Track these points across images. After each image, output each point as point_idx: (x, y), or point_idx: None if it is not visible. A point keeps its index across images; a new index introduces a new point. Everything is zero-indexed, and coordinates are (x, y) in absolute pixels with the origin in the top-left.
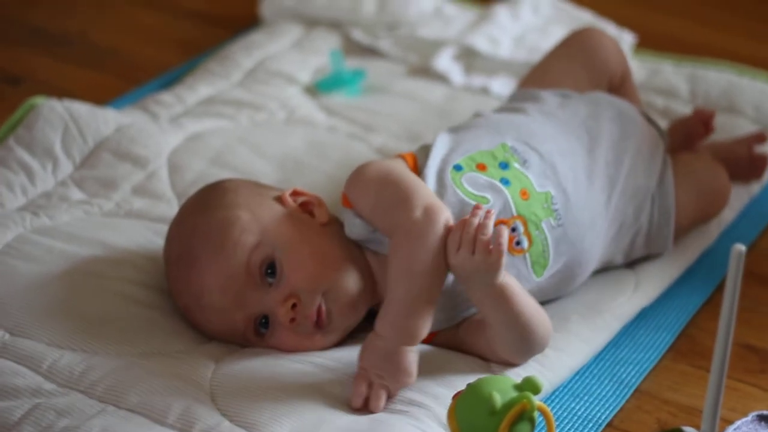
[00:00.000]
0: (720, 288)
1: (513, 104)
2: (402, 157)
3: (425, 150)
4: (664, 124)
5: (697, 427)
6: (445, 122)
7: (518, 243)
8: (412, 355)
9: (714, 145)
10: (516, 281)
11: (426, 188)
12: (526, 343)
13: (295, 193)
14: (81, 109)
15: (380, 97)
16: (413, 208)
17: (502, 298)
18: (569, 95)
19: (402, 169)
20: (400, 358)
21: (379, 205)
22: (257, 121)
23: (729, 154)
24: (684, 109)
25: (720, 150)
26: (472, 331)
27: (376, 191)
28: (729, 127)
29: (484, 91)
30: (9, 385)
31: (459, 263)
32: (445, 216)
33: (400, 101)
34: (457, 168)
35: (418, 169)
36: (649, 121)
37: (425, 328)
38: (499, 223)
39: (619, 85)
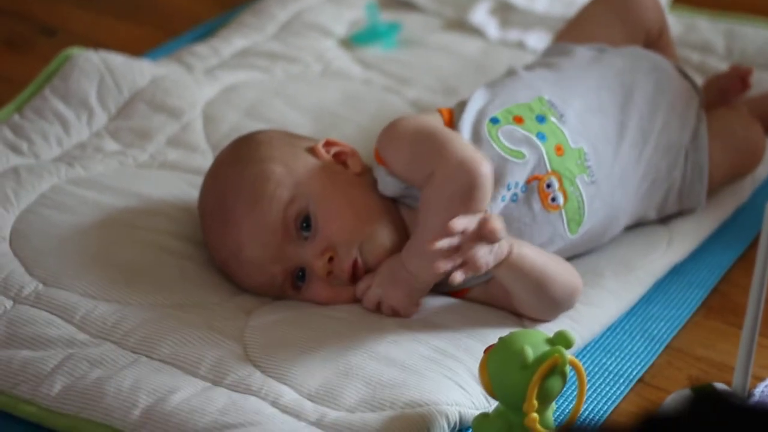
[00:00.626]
0: (753, 244)
1: (546, 59)
2: (438, 111)
3: (462, 105)
4: (699, 79)
5: (728, 383)
6: (480, 76)
7: (554, 199)
8: (424, 291)
9: (750, 101)
10: (529, 246)
11: (463, 140)
12: (551, 305)
13: (327, 144)
14: (116, 60)
15: (415, 50)
16: (449, 159)
17: (516, 272)
18: (604, 49)
19: (436, 123)
20: (413, 289)
21: (414, 159)
22: (292, 74)
23: (765, 110)
24: (720, 65)
25: (756, 106)
26: (499, 288)
27: (410, 146)
28: (766, 84)
29: (520, 45)
30: (42, 335)
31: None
32: (485, 168)
33: (436, 55)
34: (494, 121)
35: (454, 124)
36: (684, 76)
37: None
38: (533, 179)
39: (656, 40)
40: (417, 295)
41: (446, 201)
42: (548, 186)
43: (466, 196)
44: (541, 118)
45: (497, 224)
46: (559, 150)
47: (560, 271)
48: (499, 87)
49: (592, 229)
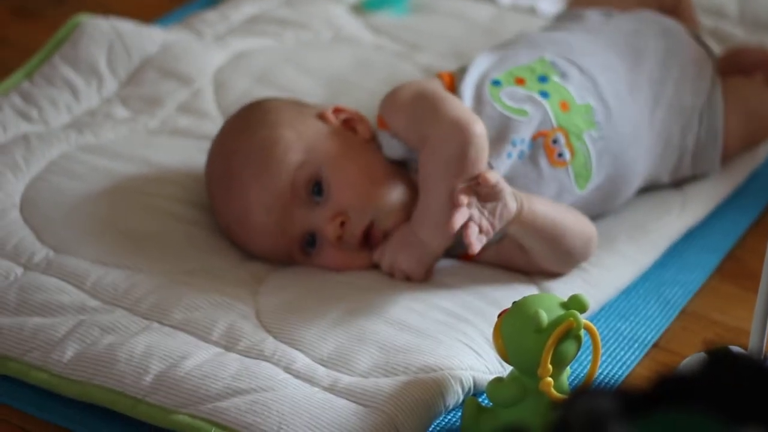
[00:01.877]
0: None
1: (557, 24)
2: (439, 76)
3: (463, 70)
4: (713, 44)
5: (744, 348)
6: (491, 42)
7: (560, 155)
8: (435, 258)
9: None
10: (540, 199)
11: (457, 102)
12: (567, 255)
13: (336, 110)
14: (126, 26)
15: (427, 16)
16: (442, 120)
17: (529, 227)
18: (613, 14)
19: (435, 87)
20: (423, 255)
21: (411, 123)
22: (303, 40)
23: None
24: (733, 30)
25: None
26: (512, 247)
27: (408, 110)
28: None
29: (531, 10)
30: (54, 301)
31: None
32: (477, 127)
33: (447, 20)
34: (496, 83)
35: (455, 87)
36: (698, 41)
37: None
38: (539, 135)
39: (673, 6)
40: (428, 260)
41: (443, 164)
42: (554, 142)
43: (462, 156)
44: (543, 78)
45: (493, 177)
46: (564, 106)
47: (574, 221)
48: (501, 51)
49: (602, 186)
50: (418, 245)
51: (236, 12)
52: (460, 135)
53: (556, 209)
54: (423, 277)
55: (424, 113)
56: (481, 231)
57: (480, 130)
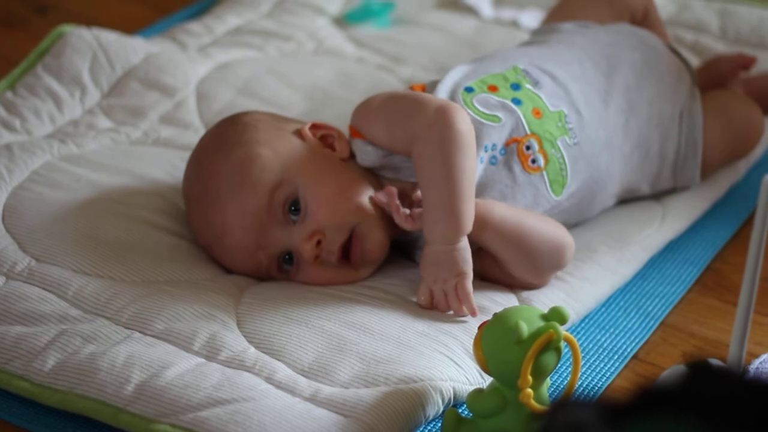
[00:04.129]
0: (748, 223)
1: (533, 38)
2: (411, 87)
3: (435, 83)
4: (693, 59)
5: (723, 360)
6: (474, 54)
7: (534, 161)
8: (464, 250)
9: (747, 82)
10: (506, 206)
11: (435, 96)
12: (535, 262)
13: (314, 127)
14: (109, 37)
15: (409, 29)
16: (425, 111)
17: (497, 234)
18: (589, 25)
19: (407, 90)
20: (453, 256)
21: (391, 124)
22: (285, 52)
23: (761, 89)
24: (714, 45)
25: (753, 86)
26: (487, 259)
27: (385, 112)
28: (761, 64)
29: (514, 23)
30: (35, 311)
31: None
32: (461, 114)
33: (429, 33)
34: (468, 90)
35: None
36: (675, 53)
37: (470, 221)
38: (512, 141)
39: (641, 20)
40: (467, 251)
41: (438, 150)
42: (528, 148)
43: (456, 138)
44: (515, 86)
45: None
46: (537, 113)
47: (542, 227)
48: (476, 63)
49: (578, 192)
50: (441, 255)
51: (219, 23)
52: (449, 117)
53: (523, 215)
54: (470, 278)
55: (404, 111)
56: None
57: (464, 114)
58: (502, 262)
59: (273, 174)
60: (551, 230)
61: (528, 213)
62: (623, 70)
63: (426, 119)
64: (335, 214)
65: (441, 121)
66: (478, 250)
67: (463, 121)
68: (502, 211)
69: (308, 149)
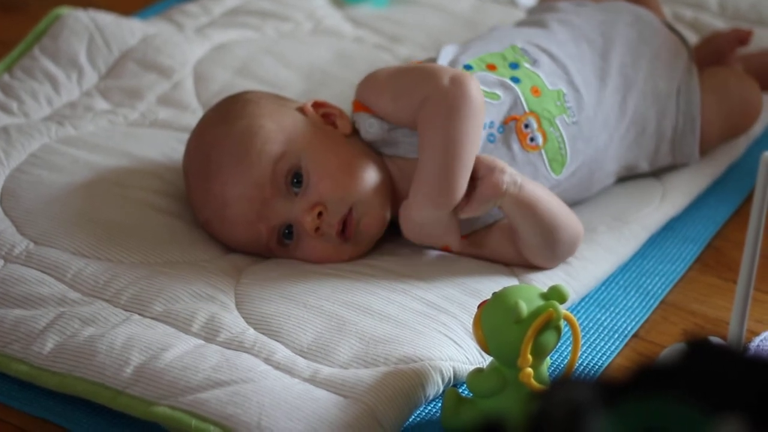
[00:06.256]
0: (748, 200)
1: (530, 17)
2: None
3: (431, 60)
4: (693, 36)
5: (723, 338)
6: (471, 33)
7: (532, 139)
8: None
9: (745, 58)
10: (539, 186)
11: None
12: (554, 247)
13: (316, 105)
14: (106, 19)
15: (407, 8)
16: (440, 77)
17: (527, 209)
18: (585, 4)
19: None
20: (440, 225)
21: (399, 95)
22: (283, 32)
23: (760, 66)
24: (713, 22)
25: (752, 63)
26: (500, 235)
27: (393, 83)
28: (758, 40)
29: (511, 2)
30: (34, 293)
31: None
32: (476, 83)
33: (427, 12)
34: (467, 68)
35: None
36: (671, 29)
37: (461, 192)
38: (510, 119)
39: None
40: (452, 226)
41: (448, 113)
42: (526, 126)
43: (468, 104)
44: (514, 65)
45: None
46: (535, 92)
47: (567, 215)
48: (471, 41)
49: (578, 171)
50: (427, 221)
51: (217, 4)
52: (463, 85)
53: (554, 201)
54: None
55: (414, 81)
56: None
57: (477, 83)
58: (521, 242)
59: (276, 145)
60: (572, 219)
61: (555, 198)
62: (618, 48)
63: (440, 84)
64: (337, 187)
65: (457, 88)
66: (492, 224)
67: (478, 90)
68: (535, 187)
69: (311, 124)
